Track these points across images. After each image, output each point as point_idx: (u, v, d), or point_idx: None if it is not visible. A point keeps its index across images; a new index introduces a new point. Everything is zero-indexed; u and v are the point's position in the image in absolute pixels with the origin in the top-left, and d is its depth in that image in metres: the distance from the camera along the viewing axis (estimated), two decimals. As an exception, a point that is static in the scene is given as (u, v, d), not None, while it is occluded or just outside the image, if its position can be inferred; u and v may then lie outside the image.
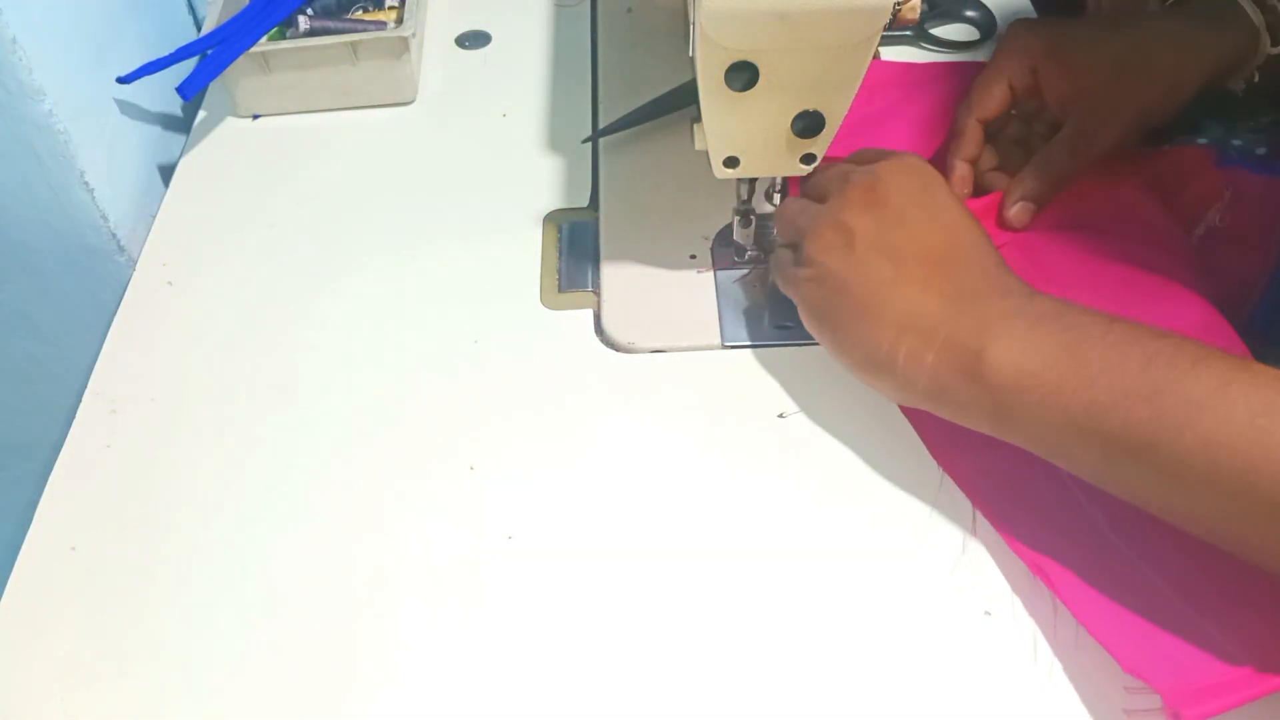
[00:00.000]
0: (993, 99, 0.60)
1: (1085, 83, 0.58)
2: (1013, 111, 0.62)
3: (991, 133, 0.62)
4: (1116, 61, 0.58)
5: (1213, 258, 0.58)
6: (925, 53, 0.73)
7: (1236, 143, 0.63)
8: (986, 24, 0.74)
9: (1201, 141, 0.62)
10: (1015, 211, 0.59)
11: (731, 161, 0.53)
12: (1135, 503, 0.43)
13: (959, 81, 0.66)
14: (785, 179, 0.57)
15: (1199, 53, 0.59)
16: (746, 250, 0.60)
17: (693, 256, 0.61)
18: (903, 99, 0.68)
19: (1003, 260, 0.48)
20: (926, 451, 0.51)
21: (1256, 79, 0.60)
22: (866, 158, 0.52)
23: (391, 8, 0.74)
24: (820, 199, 0.51)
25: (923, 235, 0.48)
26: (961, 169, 0.61)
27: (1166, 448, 0.39)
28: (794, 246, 0.51)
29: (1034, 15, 0.75)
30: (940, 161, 0.61)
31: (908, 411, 0.52)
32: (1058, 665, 0.45)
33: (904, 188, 0.49)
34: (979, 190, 0.62)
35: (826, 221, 0.49)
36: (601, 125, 0.69)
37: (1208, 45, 0.59)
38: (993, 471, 0.49)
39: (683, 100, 0.68)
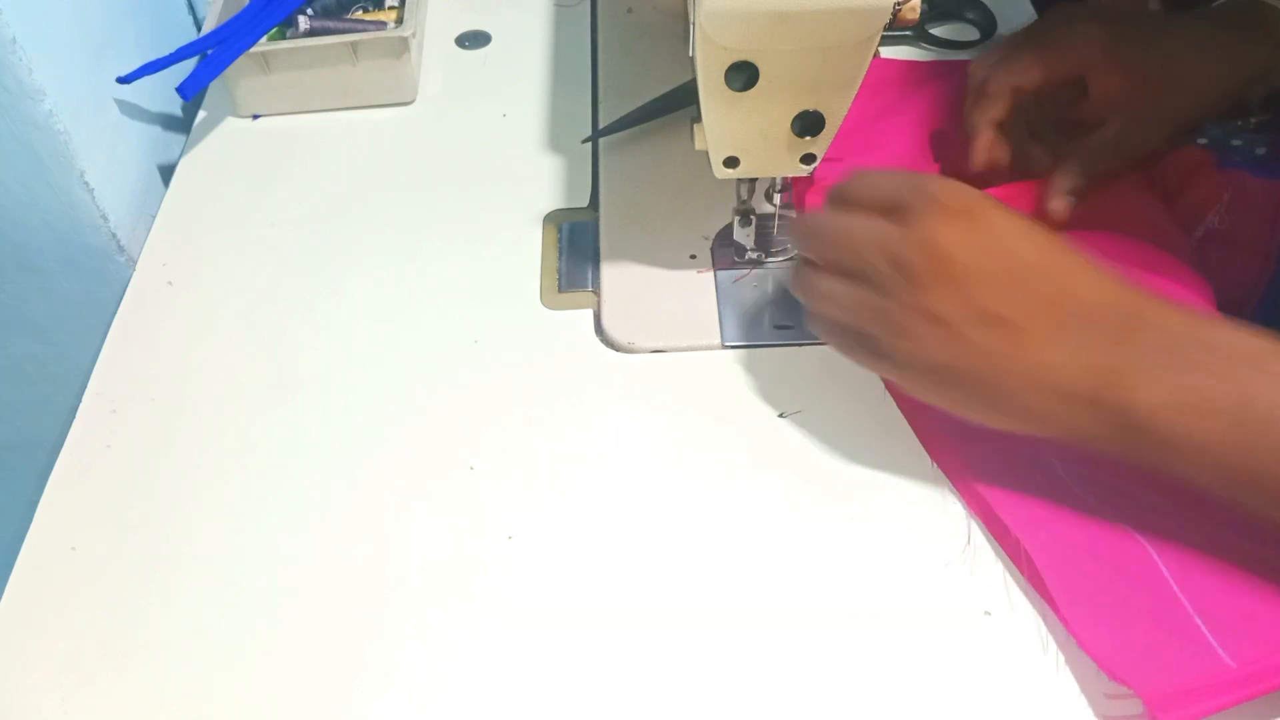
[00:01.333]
0: (1036, 73, 0.58)
1: (1138, 84, 0.57)
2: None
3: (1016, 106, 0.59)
4: (1168, 66, 0.57)
5: (1211, 260, 0.57)
6: (925, 53, 0.73)
7: (1236, 143, 0.63)
8: (987, 24, 0.74)
9: (1201, 142, 0.62)
10: (1057, 204, 0.58)
11: (731, 161, 0.53)
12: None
13: (961, 79, 0.66)
14: (786, 179, 0.57)
15: (1238, 63, 0.58)
16: (746, 250, 0.60)
17: (693, 256, 0.61)
18: (904, 96, 0.68)
19: (1094, 261, 0.45)
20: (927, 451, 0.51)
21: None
22: (875, 191, 0.46)
23: (391, 8, 0.74)
24: (856, 273, 0.46)
25: (1007, 281, 0.44)
26: (987, 134, 0.59)
27: None
28: (868, 337, 0.47)
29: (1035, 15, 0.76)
30: (950, 150, 0.60)
31: (902, 407, 0.52)
32: (1062, 658, 0.45)
33: (966, 239, 0.44)
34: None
35: (907, 320, 0.45)
36: (602, 125, 0.69)
37: (1245, 55, 0.58)
38: (981, 462, 0.49)
39: (683, 100, 0.67)
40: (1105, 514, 0.47)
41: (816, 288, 0.48)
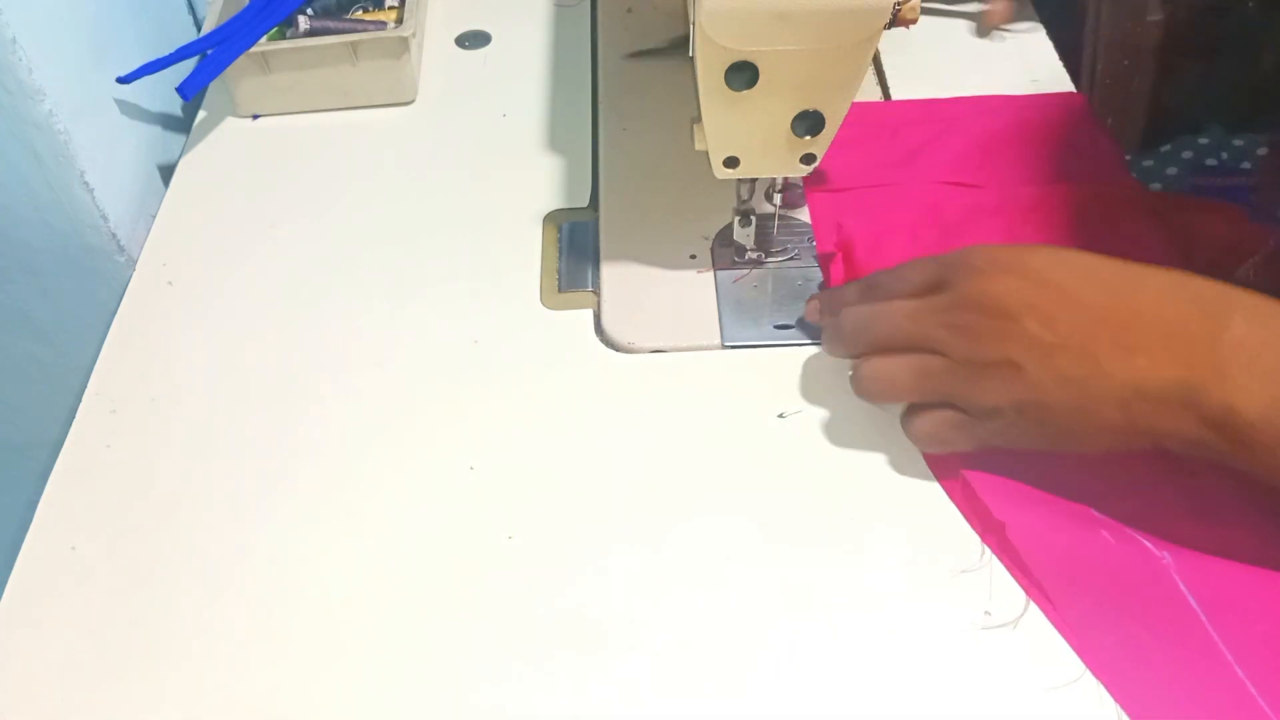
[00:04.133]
0: None
1: None
2: None
3: None
4: None
5: None
6: (921, 33, 0.73)
7: (1237, 143, 0.63)
8: None
9: (1204, 141, 0.61)
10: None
11: (731, 161, 0.53)
12: None
13: (991, 117, 0.65)
14: (786, 180, 0.57)
15: None
16: (746, 250, 0.60)
17: (693, 256, 0.61)
18: (940, 134, 0.66)
19: (1158, 268, 0.44)
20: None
21: None
22: (910, 277, 0.48)
23: (391, 8, 0.74)
24: (912, 348, 0.47)
25: (1059, 310, 0.44)
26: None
27: None
28: (941, 409, 0.48)
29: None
30: (997, 203, 0.59)
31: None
32: (1061, 658, 0.45)
33: (1002, 285, 0.45)
34: None
35: (972, 373, 0.46)
36: (601, 122, 0.70)
37: None
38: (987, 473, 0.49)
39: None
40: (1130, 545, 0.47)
41: (880, 375, 0.49)
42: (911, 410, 0.50)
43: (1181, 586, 0.45)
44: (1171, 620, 0.44)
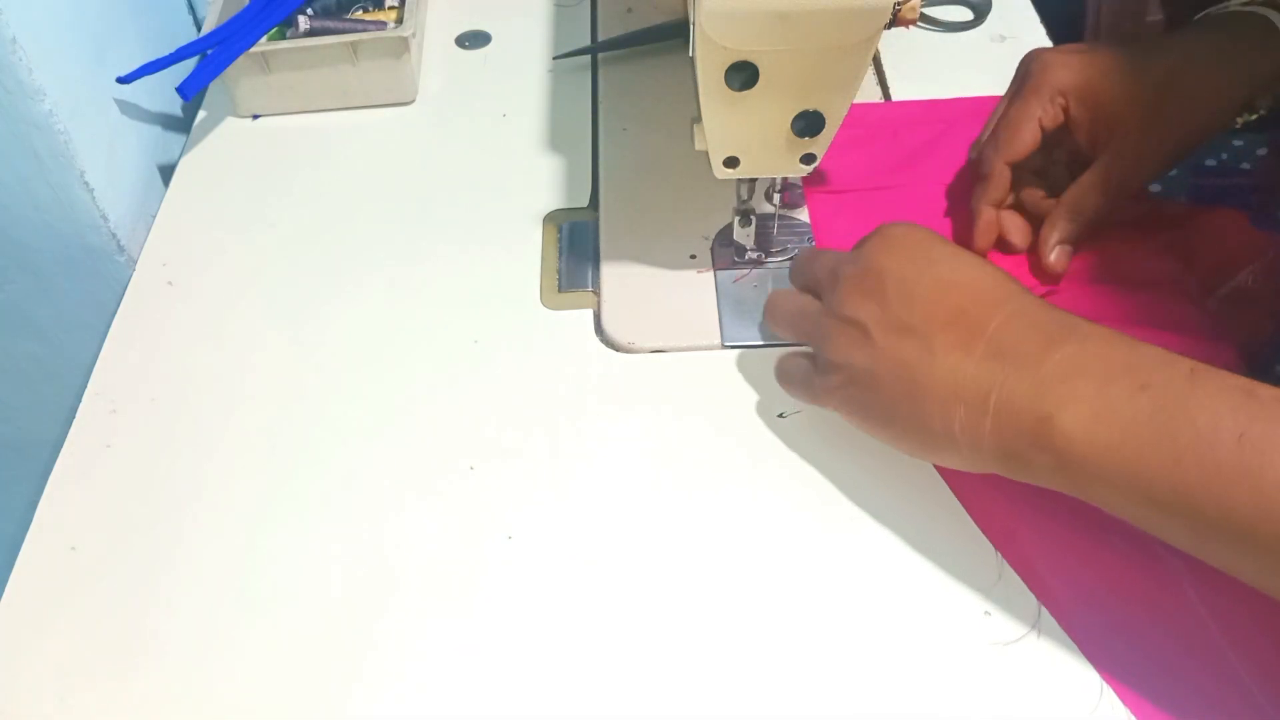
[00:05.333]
0: (1022, 141, 0.57)
1: (1123, 119, 0.55)
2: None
3: (1018, 173, 0.59)
4: (1159, 90, 0.54)
5: (1234, 318, 0.56)
6: (920, 33, 0.73)
7: (1237, 143, 0.63)
8: (982, 5, 0.75)
9: (1210, 163, 0.61)
10: (1055, 257, 0.56)
11: (731, 161, 0.53)
12: (1230, 574, 0.39)
13: (983, 119, 0.65)
14: (786, 180, 0.57)
15: (1240, 72, 0.55)
16: (746, 250, 0.60)
17: (693, 256, 0.61)
18: (940, 135, 0.66)
19: (1038, 299, 0.45)
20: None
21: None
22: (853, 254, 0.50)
23: (391, 8, 0.74)
24: (814, 293, 0.51)
25: (936, 298, 0.45)
26: (988, 215, 0.58)
27: (1270, 528, 0.36)
28: (809, 357, 0.50)
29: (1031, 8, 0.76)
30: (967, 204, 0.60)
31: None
32: (1061, 657, 0.45)
33: (897, 260, 0.46)
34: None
35: (832, 324, 0.48)
36: (601, 122, 0.70)
37: (1246, 64, 0.55)
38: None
39: (672, 34, 0.70)
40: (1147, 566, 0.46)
41: (772, 303, 0.54)
42: (784, 325, 0.53)
43: (1195, 598, 0.45)
44: (1183, 632, 0.44)
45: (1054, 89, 0.56)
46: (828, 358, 0.48)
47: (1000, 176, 0.58)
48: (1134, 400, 0.39)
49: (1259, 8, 0.55)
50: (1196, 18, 0.58)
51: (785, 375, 0.53)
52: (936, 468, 0.50)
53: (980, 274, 0.46)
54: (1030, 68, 0.58)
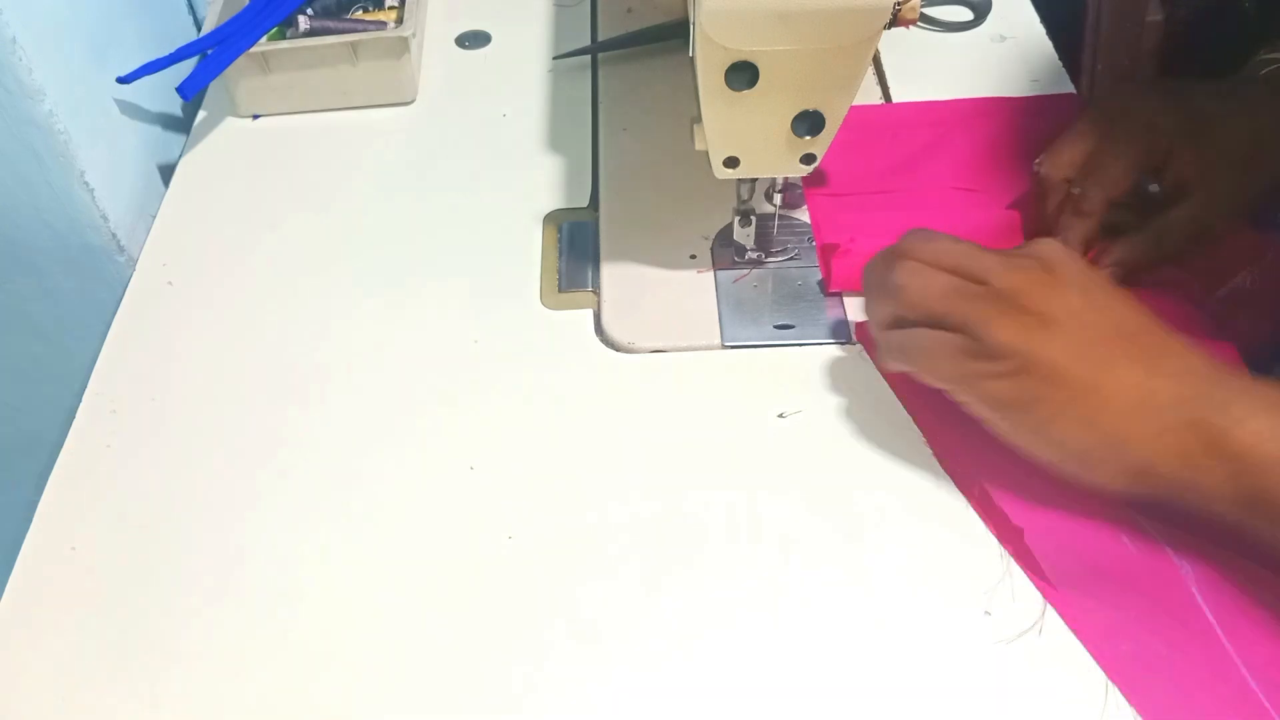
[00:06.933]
0: (1127, 179, 0.56)
1: (1221, 162, 0.55)
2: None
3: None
4: (1255, 137, 0.55)
5: (1233, 318, 0.56)
6: (920, 32, 0.73)
7: None
8: (982, 5, 0.75)
9: None
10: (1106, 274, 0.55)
11: (731, 161, 0.53)
12: None
13: (997, 118, 0.65)
14: (786, 180, 0.57)
15: None
16: (746, 250, 0.60)
17: (693, 256, 0.61)
18: (940, 137, 0.66)
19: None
20: (927, 451, 0.51)
21: None
22: (949, 258, 0.48)
23: (391, 8, 0.74)
24: (950, 266, 0.48)
25: (1117, 313, 0.45)
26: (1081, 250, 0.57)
27: None
28: (948, 329, 0.47)
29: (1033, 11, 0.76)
30: (999, 209, 0.60)
31: (918, 418, 0.52)
32: (1061, 657, 0.45)
33: (1077, 267, 0.47)
34: None
35: (1008, 304, 0.46)
36: (601, 122, 0.70)
37: None
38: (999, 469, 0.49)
39: (673, 33, 0.70)
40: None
41: (921, 277, 0.48)
42: (905, 323, 0.49)
43: (1198, 599, 0.45)
44: (1186, 631, 0.44)
45: (1154, 130, 0.56)
46: (997, 339, 0.45)
47: (1097, 213, 0.57)
48: None
49: None
50: (1263, 73, 0.58)
51: (920, 350, 0.49)
52: (945, 465, 0.50)
53: (1140, 308, 0.47)
54: (1120, 104, 0.57)
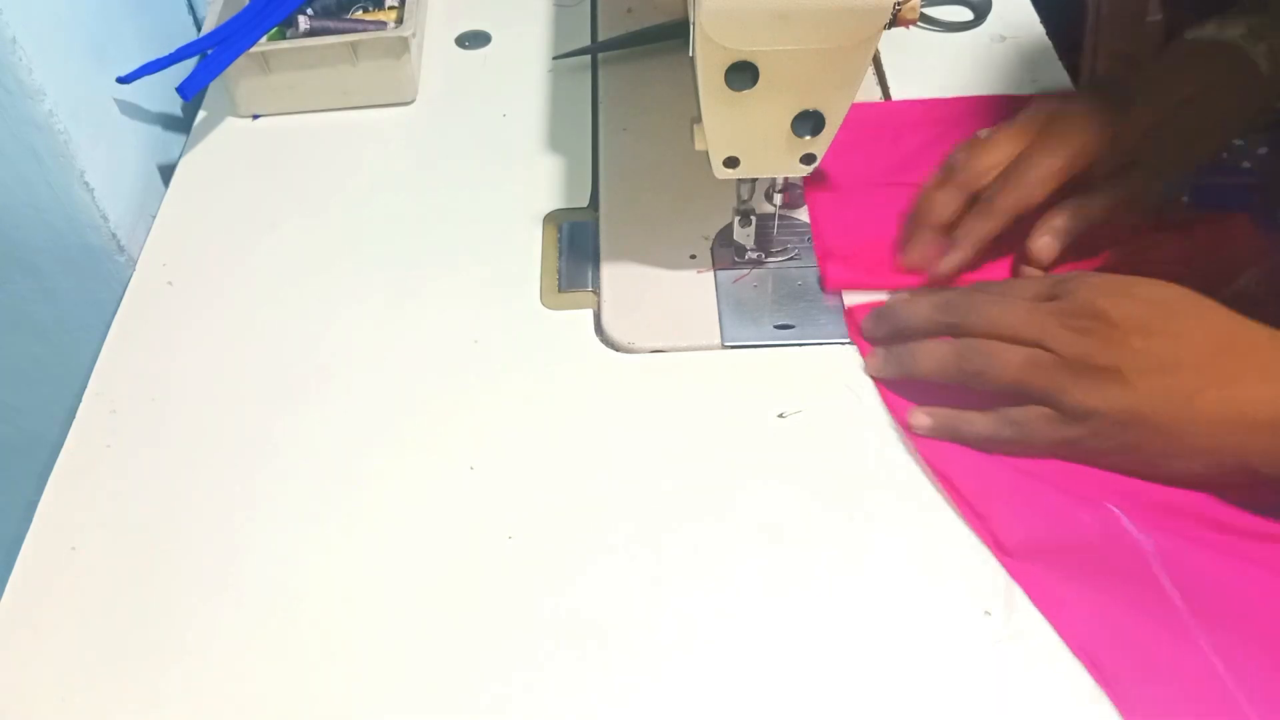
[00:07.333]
0: (1039, 188, 0.55)
1: (1157, 135, 0.56)
2: None
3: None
4: (1195, 103, 0.55)
5: None
6: (920, 33, 0.73)
7: (1238, 142, 0.62)
8: (982, 5, 0.75)
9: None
10: (1046, 243, 0.55)
11: (731, 161, 0.53)
12: None
13: (997, 117, 0.65)
14: (787, 181, 0.57)
15: (1247, 102, 0.56)
16: (746, 250, 0.60)
17: (693, 256, 0.61)
18: (937, 138, 0.66)
19: (1240, 315, 0.47)
20: (926, 451, 0.51)
21: None
22: (1028, 289, 0.50)
23: (391, 8, 0.74)
24: (1012, 334, 0.48)
25: (1183, 335, 0.46)
26: (965, 253, 0.57)
27: None
28: (1031, 402, 0.48)
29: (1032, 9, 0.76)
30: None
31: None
32: (1061, 657, 0.45)
33: (1128, 305, 0.47)
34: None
35: (1080, 372, 0.47)
36: (601, 122, 0.70)
37: (1251, 93, 0.56)
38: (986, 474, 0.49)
39: (674, 33, 0.70)
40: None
41: (992, 351, 0.49)
42: (992, 403, 0.49)
43: (1161, 575, 0.45)
44: (1147, 603, 0.45)
45: (1078, 148, 0.55)
46: (1082, 405, 0.47)
47: (1001, 221, 0.56)
48: None
49: (1241, 40, 0.56)
50: (1189, 45, 0.59)
51: (1017, 424, 0.49)
52: (945, 485, 0.50)
53: (1187, 297, 0.47)
54: (1051, 127, 0.56)
